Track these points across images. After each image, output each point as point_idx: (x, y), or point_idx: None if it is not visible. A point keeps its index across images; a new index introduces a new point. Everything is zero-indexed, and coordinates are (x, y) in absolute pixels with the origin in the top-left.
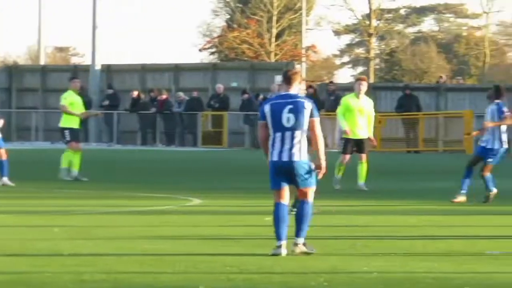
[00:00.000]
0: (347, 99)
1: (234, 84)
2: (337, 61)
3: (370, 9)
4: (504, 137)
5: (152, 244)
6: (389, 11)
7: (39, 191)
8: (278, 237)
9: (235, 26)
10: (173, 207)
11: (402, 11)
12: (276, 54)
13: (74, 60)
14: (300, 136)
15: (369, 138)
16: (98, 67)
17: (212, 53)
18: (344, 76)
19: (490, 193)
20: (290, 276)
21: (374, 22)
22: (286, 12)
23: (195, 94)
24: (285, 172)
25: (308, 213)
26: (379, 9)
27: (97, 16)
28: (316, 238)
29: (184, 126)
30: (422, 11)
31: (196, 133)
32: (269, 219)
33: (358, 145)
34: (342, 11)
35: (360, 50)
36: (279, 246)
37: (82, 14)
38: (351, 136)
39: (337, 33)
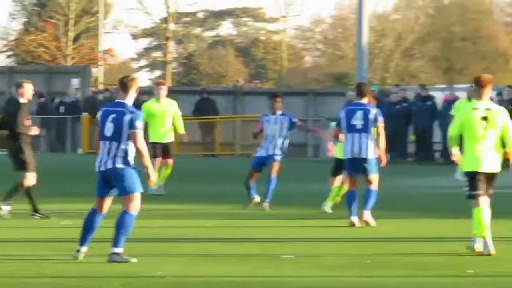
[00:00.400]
0: (149, 105)
1: None
2: (135, 65)
3: (168, 12)
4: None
5: None
6: (186, 14)
7: None
8: (81, 243)
9: (32, 29)
10: None
11: (200, 15)
12: (73, 58)
13: None
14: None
15: (182, 135)
16: None
17: (9, 56)
18: (141, 79)
19: (253, 200)
20: (86, 280)
21: (172, 26)
22: (84, 16)
23: None
24: (107, 180)
25: (126, 224)
26: (176, 12)
27: None
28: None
29: None
30: (220, 15)
31: None
32: (65, 223)
33: (163, 150)
34: (139, 14)
35: (157, 54)
36: (79, 251)
37: None
38: (158, 140)
39: (134, 36)
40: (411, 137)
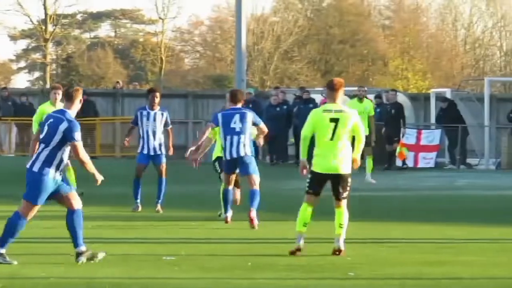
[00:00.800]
0: (43, 108)
1: None
2: (14, 66)
3: (46, 14)
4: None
5: None
6: (65, 16)
7: None
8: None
9: None
10: None
11: (78, 17)
12: None
13: None
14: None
15: None
16: None
17: None
18: (20, 81)
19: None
20: None
21: (50, 27)
22: None
23: None
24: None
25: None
26: (55, 14)
27: None
28: None
29: None
30: (98, 17)
31: None
32: None
33: None
34: (18, 16)
35: (37, 55)
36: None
37: None
38: None
39: (13, 38)
40: (290, 139)
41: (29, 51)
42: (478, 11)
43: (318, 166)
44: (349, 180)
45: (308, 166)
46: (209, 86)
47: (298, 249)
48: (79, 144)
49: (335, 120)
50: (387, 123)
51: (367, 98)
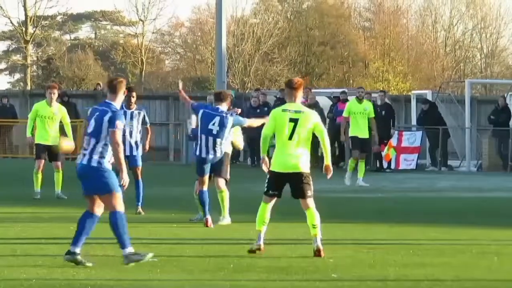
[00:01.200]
0: (38, 106)
1: None
2: None
3: (26, 15)
4: None
5: None
6: (45, 18)
7: None
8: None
9: None
10: None
11: (58, 18)
12: None
13: None
14: None
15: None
16: None
17: None
18: (1, 82)
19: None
20: None
21: (31, 29)
22: None
23: None
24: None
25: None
26: (35, 15)
27: None
28: None
29: None
30: (79, 18)
31: None
32: None
33: (49, 152)
34: None
35: (17, 57)
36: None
37: None
38: (43, 142)
39: None
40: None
41: (9, 53)
42: (458, 13)
43: (277, 165)
44: (310, 178)
45: (268, 163)
46: (189, 88)
47: (259, 248)
48: (118, 132)
49: (294, 120)
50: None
51: (368, 99)
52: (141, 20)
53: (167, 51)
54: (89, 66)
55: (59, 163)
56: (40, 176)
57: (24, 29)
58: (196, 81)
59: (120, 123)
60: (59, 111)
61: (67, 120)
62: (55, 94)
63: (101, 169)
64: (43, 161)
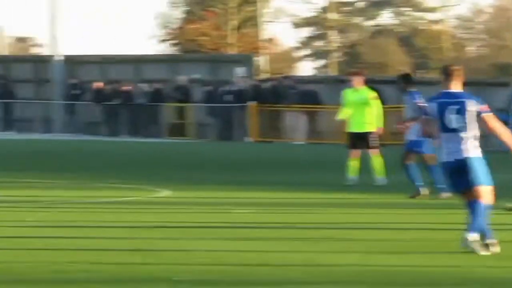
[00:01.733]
0: (347, 92)
1: (197, 76)
2: (298, 54)
3: (328, 1)
4: None
5: (128, 234)
6: (346, 4)
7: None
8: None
9: (193, 18)
10: (142, 198)
11: (359, 4)
12: (239, 47)
13: (34, 51)
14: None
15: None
16: (60, 57)
17: (173, 45)
18: (304, 68)
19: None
20: None
21: (332, 15)
22: (243, 5)
23: (156, 85)
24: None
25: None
26: (337, 2)
27: (56, 5)
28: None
29: (148, 117)
30: (379, 5)
31: (160, 124)
32: (238, 211)
33: (361, 140)
34: (300, 3)
35: (320, 43)
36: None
37: (40, 4)
38: (355, 130)
39: (296, 25)
40: None
41: (312, 39)
42: None
43: None
44: None
45: None
46: (492, 74)
47: None
48: (488, 115)
49: None
50: None
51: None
52: (442, 6)
53: (469, 37)
54: (392, 52)
55: (375, 150)
56: (355, 163)
57: (325, 15)
58: (499, 67)
59: (484, 107)
60: (366, 95)
61: (375, 104)
62: (356, 80)
63: (478, 160)
64: (358, 150)
